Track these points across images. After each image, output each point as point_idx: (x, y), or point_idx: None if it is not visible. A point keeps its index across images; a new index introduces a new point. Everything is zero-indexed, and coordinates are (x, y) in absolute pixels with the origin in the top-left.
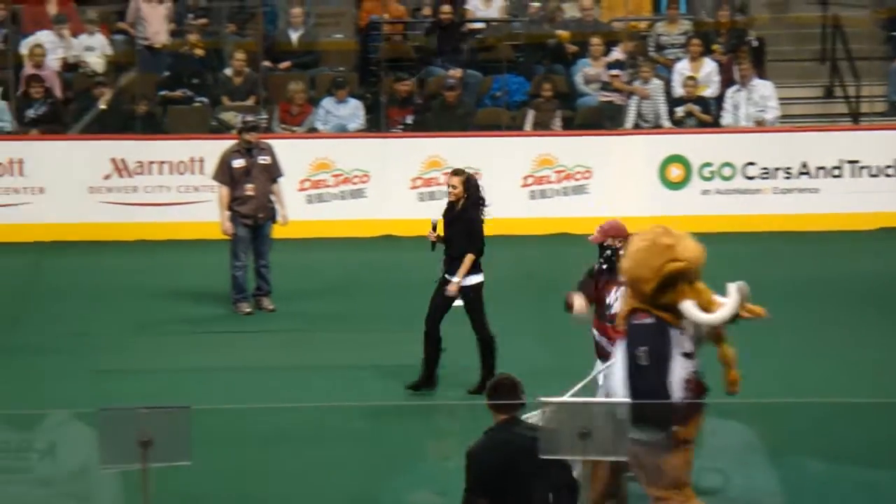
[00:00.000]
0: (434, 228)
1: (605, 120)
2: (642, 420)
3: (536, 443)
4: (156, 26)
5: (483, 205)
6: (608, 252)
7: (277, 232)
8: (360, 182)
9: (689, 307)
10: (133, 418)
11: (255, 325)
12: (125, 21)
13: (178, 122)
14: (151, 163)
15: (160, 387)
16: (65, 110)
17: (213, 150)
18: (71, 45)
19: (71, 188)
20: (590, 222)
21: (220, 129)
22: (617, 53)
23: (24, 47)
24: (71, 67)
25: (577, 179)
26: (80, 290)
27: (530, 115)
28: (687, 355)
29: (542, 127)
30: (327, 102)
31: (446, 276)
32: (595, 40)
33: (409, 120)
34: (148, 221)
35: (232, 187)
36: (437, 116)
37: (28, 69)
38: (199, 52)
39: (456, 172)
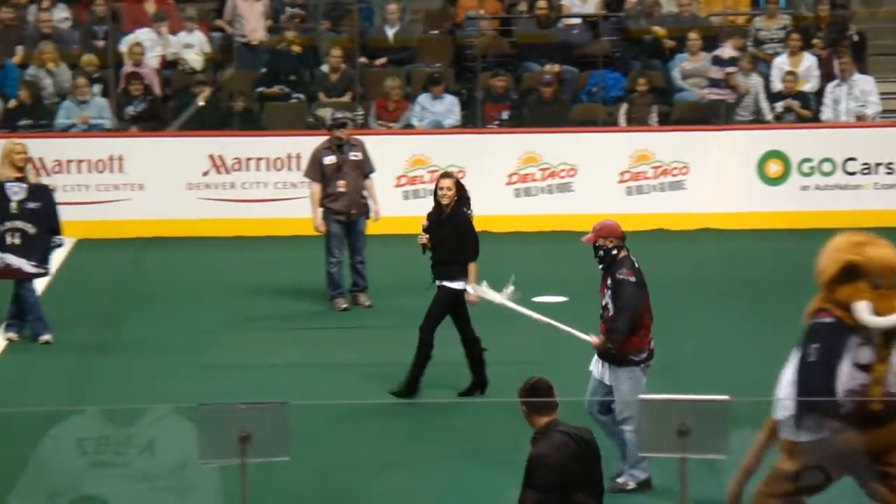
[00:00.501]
0: (426, 231)
1: (709, 116)
2: (807, 417)
3: (588, 441)
4: (253, 23)
5: (470, 207)
6: (601, 252)
7: (374, 228)
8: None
9: (859, 306)
10: (232, 414)
11: (353, 321)
12: (223, 18)
13: (275, 119)
14: (249, 159)
15: (259, 382)
16: (163, 107)
17: (309, 146)
18: (169, 42)
19: (169, 184)
20: (687, 218)
21: (317, 126)
22: (728, 50)
23: (124, 45)
24: (170, 65)
25: (673, 175)
26: (179, 287)
27: (624, 110)
28: (861, 367)
29: (637, 122)
30: (423, 98)
31: (440, 282)
32: (693, 35)
33: (505, 116)
34: (245, 217)
35: (324, 184)
36: (532, 112)
37: (127, 67)
38: (295, 48)
39: (446, 175)
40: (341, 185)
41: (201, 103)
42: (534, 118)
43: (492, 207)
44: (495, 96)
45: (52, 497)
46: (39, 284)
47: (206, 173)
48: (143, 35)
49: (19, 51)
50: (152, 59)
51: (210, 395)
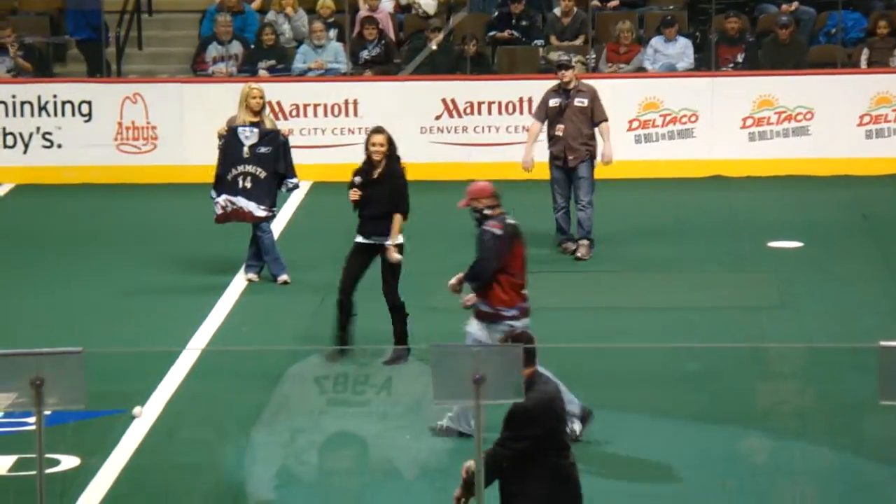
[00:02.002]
0: (353, 186)
1: None
2: None
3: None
4: None
5: (400, 163)
6: (476, 214)
7: (606, 172)
8: (688, 122)
9: None
10: (466, 355)
11: (583, 265)
12: None
13: (507, 63)
14: (481, 103)
15: None
16: (397, 51)
17: (540, 90)
18: None
19: (403, 128)
20: None
21: (548, 69)
22: None
23: None
24: (403, 9)
25: None
26: (413, 229)
27: (865, 53)
28: None
29: (878, 65)
30: (656, 41)
31: (368, 239)
32: None
33: (740, 58)
34: (478, 161)
35: (547, 126)
36: (768, 54)
37: (363, 11)
38: None
39: (378, 130)
40: (559, 129)
41: (434, 47)
42: (769, 60)
43: (725, 152)
44: (730, 38)
45: (293, 433)
46: (276, 226)
47: (438, 117)
48: None
49: None
50: (387, 4)
51: (441, 336)
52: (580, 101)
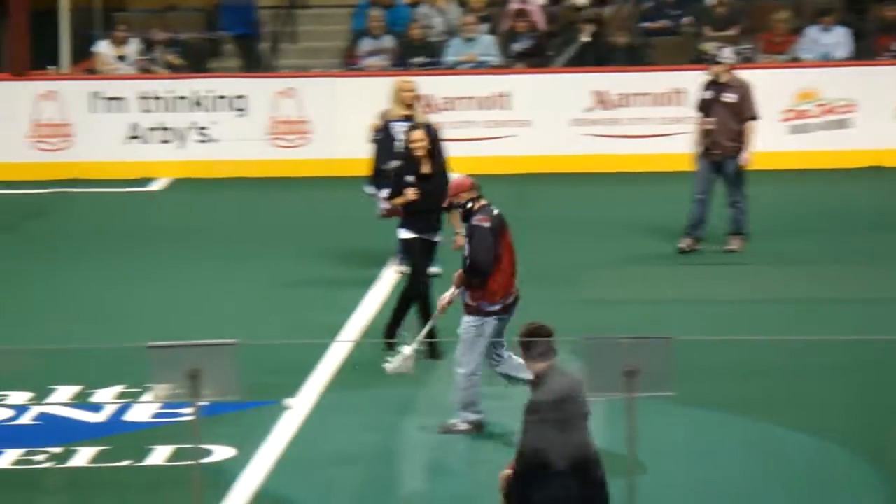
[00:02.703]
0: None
1: None
2: None
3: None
4: None
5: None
6: (460, 209)
7: (760, 163)
8: (845, 112)
9: None
10: (617, 348)
11: (730, 258)
12: None
13: (660, 54)
14: (633, 95)
15: (639, 317)
16: (549, 44)
17: (694, 81)
18: None
19: (554, 121)
20: None
21: (702, 60)
22: None
23: None
24: (556, 1)
25: None
26: (563, 222)
27: None
28: None
29: None
30: (812, 31)
31: (425, 235)
32: None
33: None
34: (629, 153)
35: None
36: None
37: (514, 4)
38: None
39: (416, 127)
40: (707, 123)
41: (585, 39)
42: None
43: (883, 142)
44: (888, 26)
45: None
46: None
47: (590, 109)
48: None
49: None
50: None
51: (591, 328)
52: (729, 97)
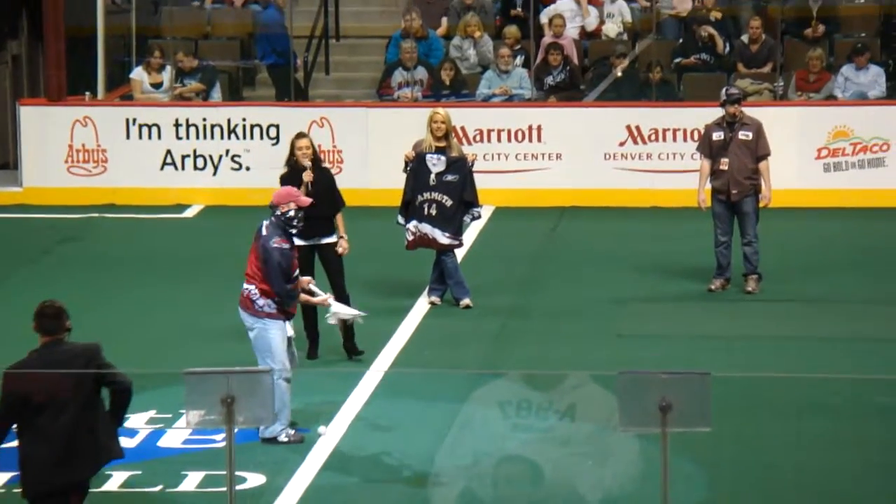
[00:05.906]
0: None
1: None
2: None
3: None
4: None
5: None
6: (283, 219)
7: (795, 201)
8: (879, 151)
9: None
10: (653, 383)
11: (762, 295)
12: None
13: (693, 89)
14: (666, 130)
15: (673, 353)
16: (582, 77)
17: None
18: (590, 13)
19: (587, 154)
20: None
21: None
22: None
23: (544, 16)
24: (588, 35)
25: None
26: (597, 255)
27: None
28: None
29: None
30: (847, 69)
31: (321, 239)
32: None
33: None
34: (662, 188)
35: (711, 160)
36: None
37: (548, 38)
38: (716, 14)
39: (302, 135)
40: (723, 163)
41: (619, 73)
42: None
43: None
44: None
45: (476, 456)
46: (459, 251)
47: (622, 143)
48: (564, 6)
49: (443, 22)
50: (572, 30)
51: (626, 363)
52: (745, 134)
